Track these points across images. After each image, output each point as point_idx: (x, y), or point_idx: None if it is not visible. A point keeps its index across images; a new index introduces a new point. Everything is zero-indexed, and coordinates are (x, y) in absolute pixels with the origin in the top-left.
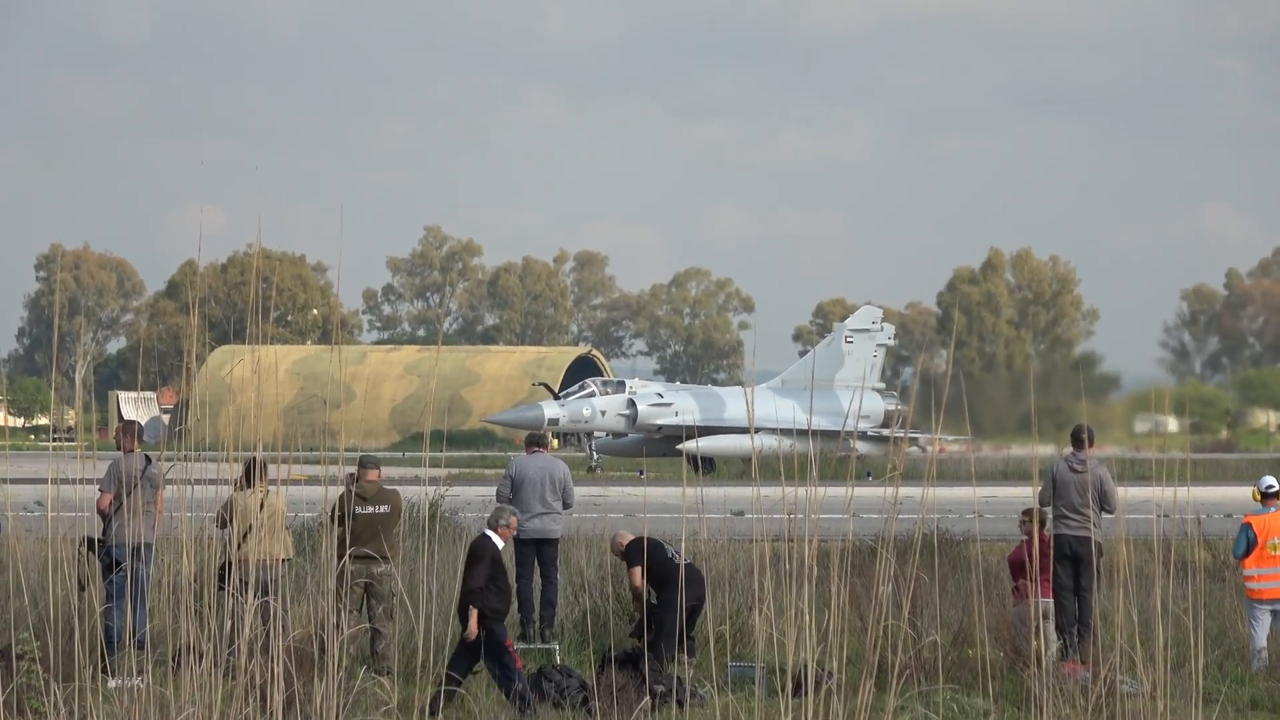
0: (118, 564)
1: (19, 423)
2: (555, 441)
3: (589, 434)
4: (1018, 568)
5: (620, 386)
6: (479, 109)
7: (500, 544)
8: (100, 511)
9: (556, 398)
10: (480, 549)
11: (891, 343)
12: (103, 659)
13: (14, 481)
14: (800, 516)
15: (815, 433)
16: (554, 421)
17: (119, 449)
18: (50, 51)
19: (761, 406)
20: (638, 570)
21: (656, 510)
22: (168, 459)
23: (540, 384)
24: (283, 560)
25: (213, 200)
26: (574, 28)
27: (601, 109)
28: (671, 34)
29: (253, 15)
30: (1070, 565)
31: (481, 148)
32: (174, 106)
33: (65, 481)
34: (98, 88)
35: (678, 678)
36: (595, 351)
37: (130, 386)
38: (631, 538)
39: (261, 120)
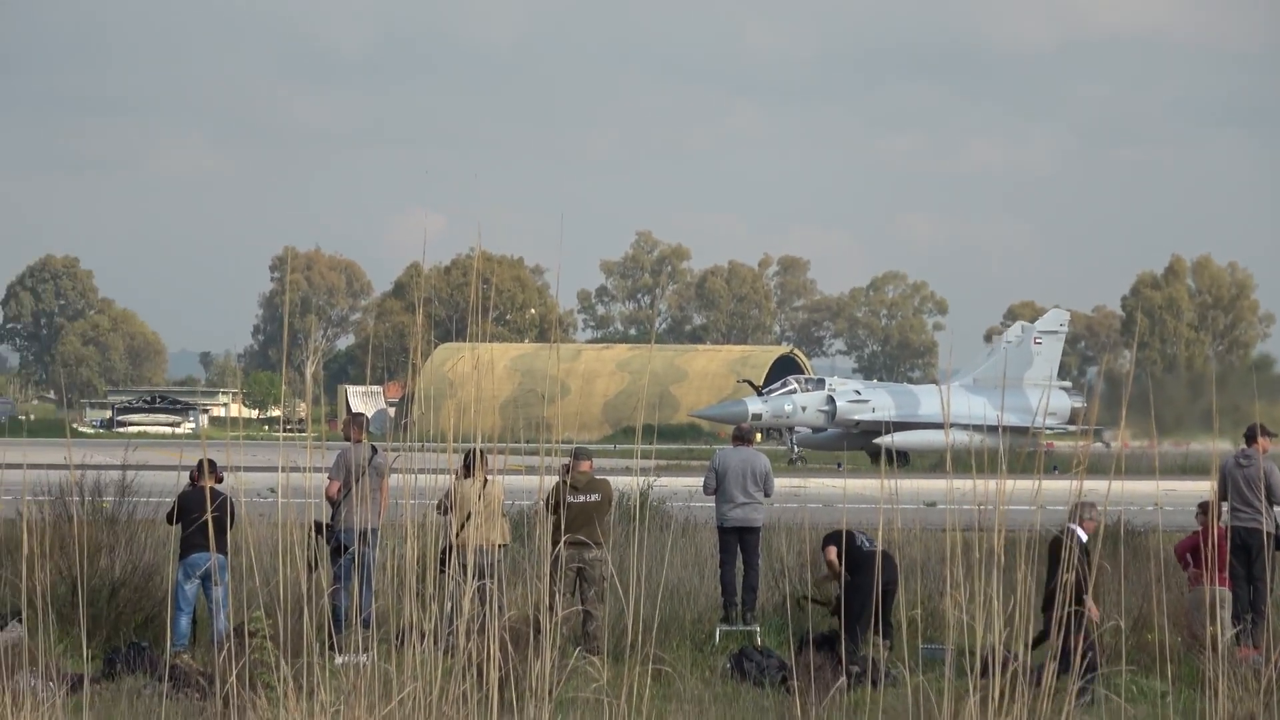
0: (345, 548)
1: (253, 414)
2: (759, 436)
3: (790, 429)
4: (1182, 556)
5: (820, 384)
6: (685, 121)
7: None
8: (329, 498)
9: (760, 394)
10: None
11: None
12: (330, 637)
13: (248, 469)
14: (990, 508)
15: (1005, 429)
16: (757, 417)
17: (347, 439)
18: (280, 65)
19: (955, 403)
20: (832, 549)
21: (854, 501)
22: (393, 449)
23: (744, 380)
24: (500, 546)
25: (435, 206)
26: (773, 44)
27: (800, 120)
28: (865, 49)
29: (470, 30)
30: (1243, 555)
31: (688, 157)
32: (397, 117)
33: (296, 470)
34: (325, 99)
35: (872, 659)
36: (797, 351)
37: (358, 381)
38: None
39: (480, 130)
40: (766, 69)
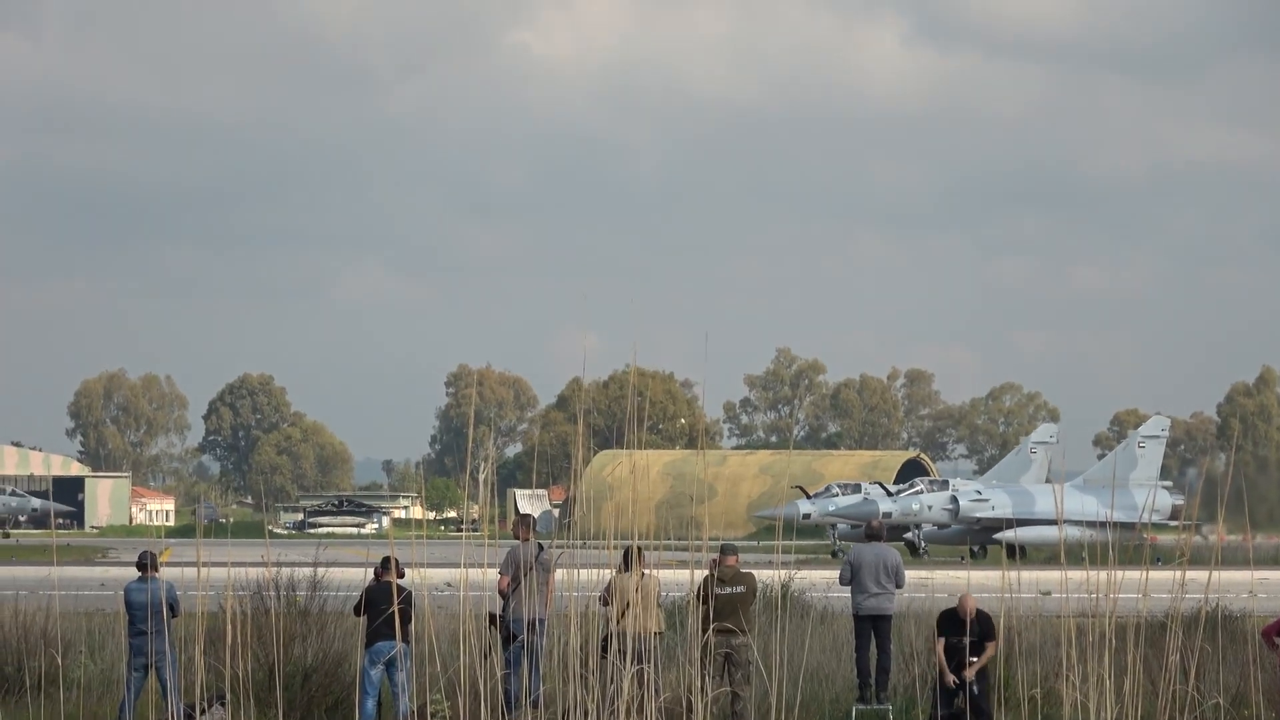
0: (515, 636)
1: (431, 516)
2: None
3: (918, 525)
4: (1269, 637)
5: (944, 485)
6: (818, 247)
7: None
8: (500, 591)
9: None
10: None
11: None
12: (503, 717)
13: (429, 565)
14: (1101, 596)
15: (1113, 524)
16: (887, 515)
17: (516, 538)
18: (450, 200)
19: (1067, 502)
20: (941, 642)
21: (976, 590)
22: (557, 546)
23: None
24: (656, 634)
25: (593, 326)
26: (895, 179)
27: (921, 247)
28: (978, 183)
29: (617, 167)
30: None
31: (822, 280)
32: (556, 246)
33: (472, 566)
34: (490, 230)
35: None
36: (923, 455)
37: (526, 485)
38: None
39: (633, 257)
40: (889, 201)
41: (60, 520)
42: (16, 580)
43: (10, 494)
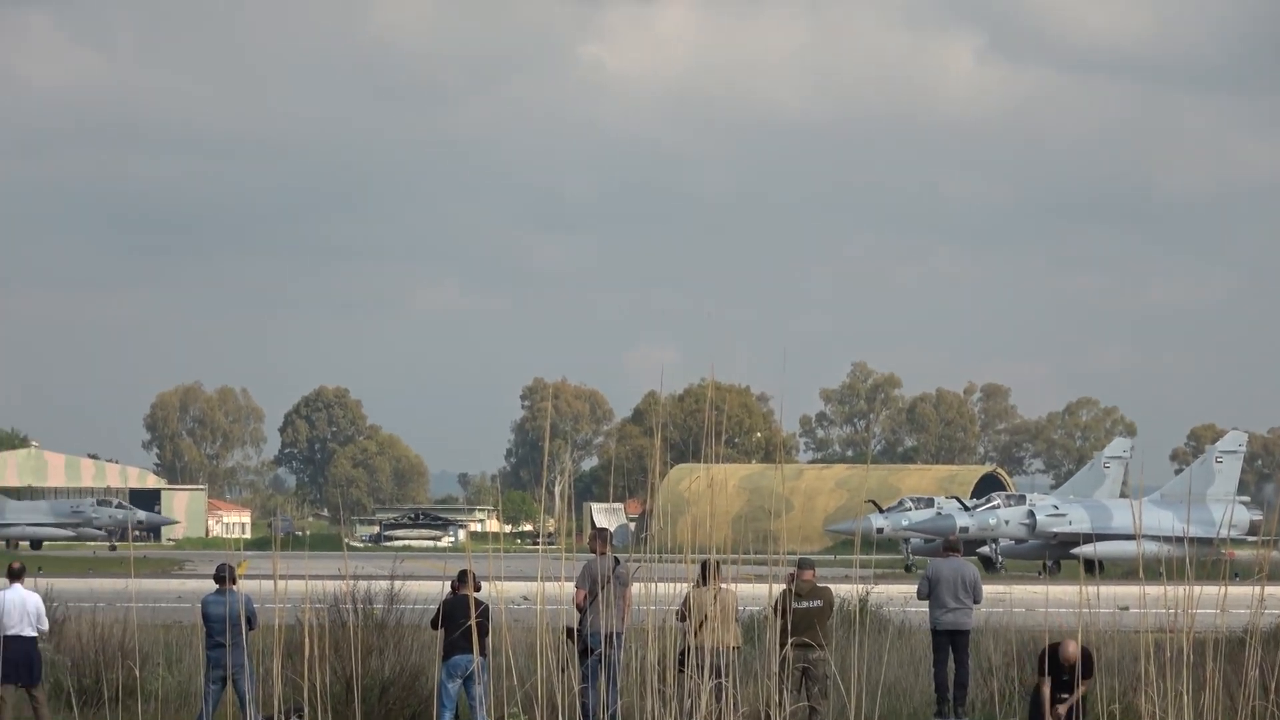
0: (592, 650)
1: (507, 529)
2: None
3: (994, 540)
4: None
5: (1021, 500)
6: (893, 261)
7: None
8: (577, 605)
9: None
10: None
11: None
12: None
13: (506, 579)
14: (1179, 611)
15: (1190, 539)
16: (964, 529)
17: (592, 552)
18: (524, 213)
19: (1145, 517)
20: (1047, 682)
21: (1054, 605)
22: (634, 560)
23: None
24: (733, 648)
25: (669, 340)
26: (969, 193)
27: (997, 261)
28: (1054, 198)
29: (690, 181)
30: None
31: (897, 294)
32: (630, 259)
33: (548, 579)
34: (563, 244)
35: None
36: (999, 470)
37: (601, 498)
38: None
39: (709, 271)
40: (964, 216)
41: (135, 533)
42: (94, 592)
43: (116, 506)
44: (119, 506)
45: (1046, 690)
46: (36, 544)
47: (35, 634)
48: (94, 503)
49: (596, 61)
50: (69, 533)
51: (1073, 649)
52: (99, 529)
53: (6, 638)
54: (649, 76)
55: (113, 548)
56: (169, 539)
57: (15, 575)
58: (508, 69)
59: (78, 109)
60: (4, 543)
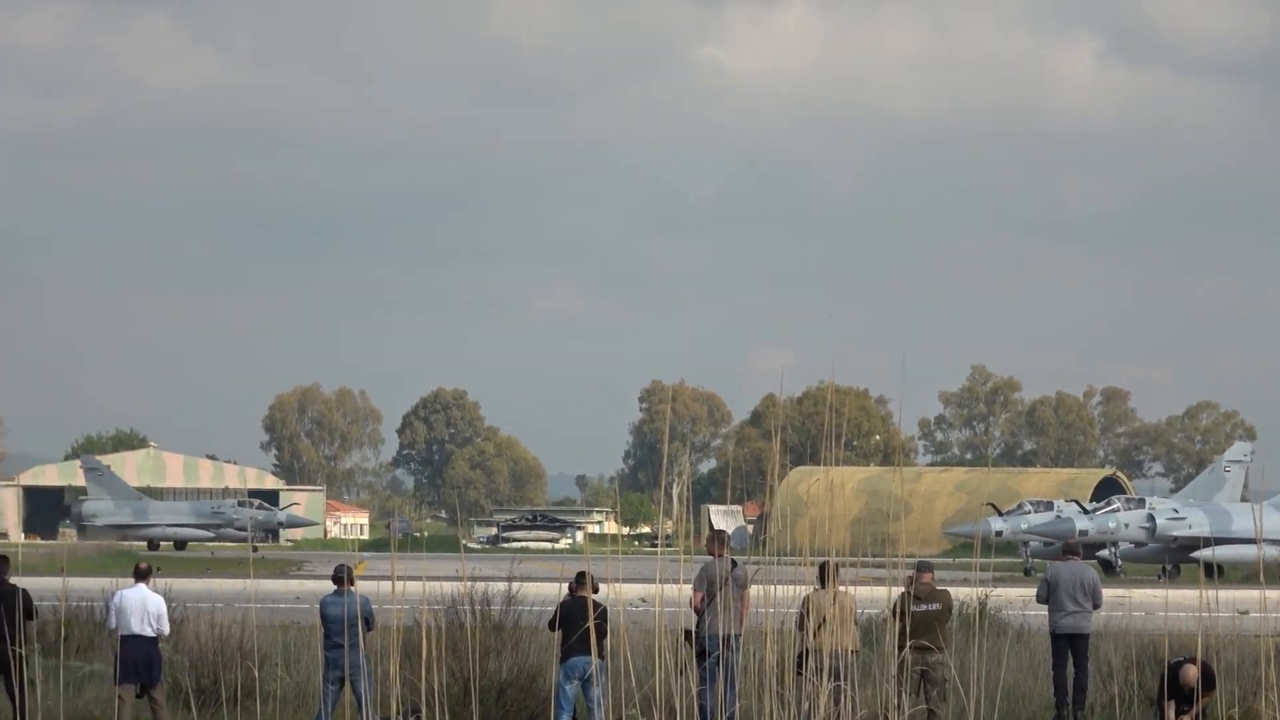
0: (710, 652)
1: (625, 531)
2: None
3: (1114, 543)
4: None
5: (1141, 503)
6: (1012, 265)
7: None
8: (694, 608)
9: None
10: None
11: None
12: None
13: (624, 581)
14: None
15: None
16: (1084, 533)
17: (710, 554)
18: (642, 216)
19: (1265, 520)
20: (1171, 705)
21: (1174, 609)
22: (752, 562)
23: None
24: (851, 651)
25: (788, 342)
26: (1091, 196)
27: (1117, 264)
28: (1174, 201)
29: (808, 183)
30: None
31: (1015, 297)
32: (747, 262)
33: (666, 581)
34: (683, 246)
35: None
36: (1119, 473)
37: (719, 500)
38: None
39: (826, 273)
40: (1084, 218)
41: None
42: (213, 593)
43: (257, 507)
44: (260, 508)
45: (1171, 713)
46: (181, 545)
47: (155, 635)
48: (235, 503)
49: (715, 63)
50: (209, 534)
51: (1192, 674)
52: (240, 530)
53: (125, 637)
54: (768, 78)
55: (254, 549)
56: (287, 540)
57: (141, 576)
58: (626, 70)
59: (195, 109)
60: (145, 543)
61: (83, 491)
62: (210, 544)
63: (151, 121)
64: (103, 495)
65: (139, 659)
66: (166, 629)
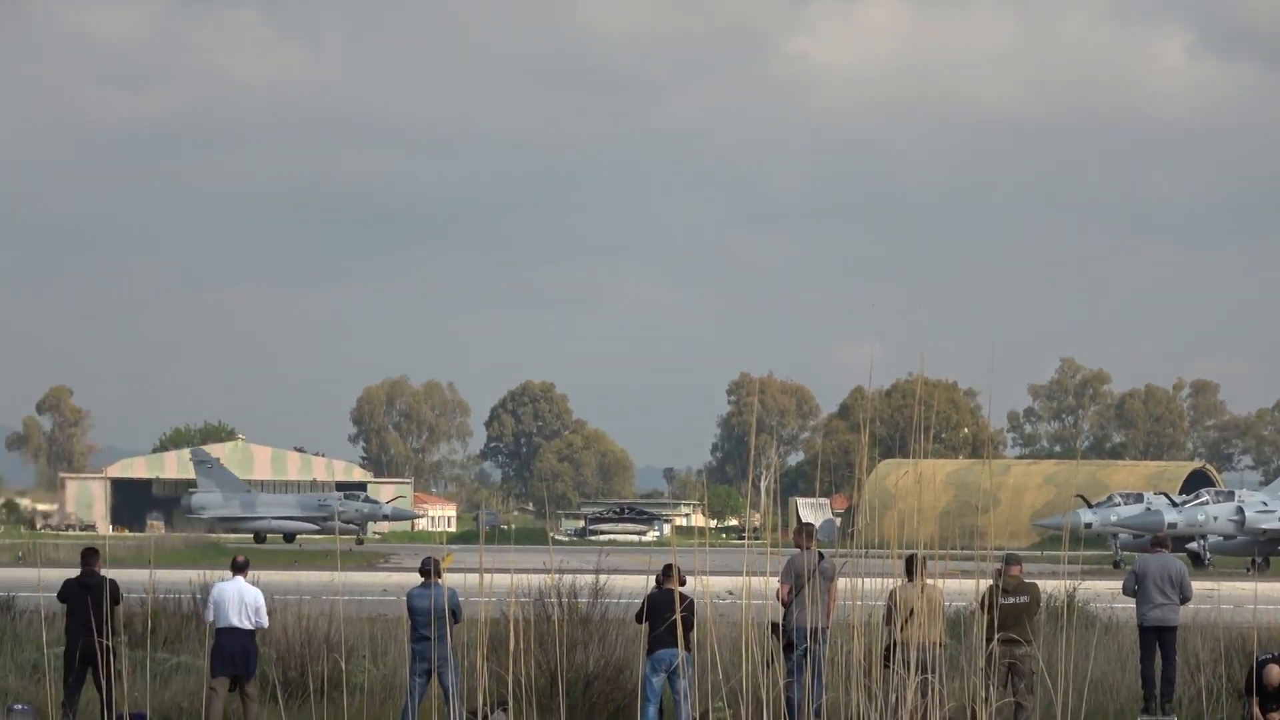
0: (797, 645)
1: (713, 523)
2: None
3: (1203, 536)
4: None
5: (1230, 496)
6: (1101, 257)
7: None
8: (780, 600)
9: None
10: None
11: None
12: None
13: (711, 573)
14: None
15: None
16: (1172, 525)
17: (797, 547)
18: (729, 208)
19: None
20: (1256, 701)
21: (1263, 602)
22: (840, 555)
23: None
24: (939, 644)
25: (876, 334)
26: (1177, 189)
27: (1207, 256)
28: (1265, 194)
29: (892, 176)
30: None
31: (1105, 290)
32: (835, 254)
33: (753, 574)
34: (770, 238)
35: None
36: (1208, 466)
37: (807, 493)
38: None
39: (914, 266)
40: (1173, 211)
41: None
42: (300, 585)
43: (364, 500)
44: (367, 500)
45: (1256, 709)
46: (290, 537)
47: (252, 628)
48: (341, 496)
49: (802, 55)
50: (314, 527)
51: (1275, 674)
52: (346, 523)
53: (221, 629)
54: (855, 71)
55: (360, 541)
56: (374, 532)
57: (238, 569)
58: (713, 63)
59: (282, 103)
60: (252, 535)
61: (171, 485)
62: (315, 537)
63: (240, 116)
64: (212, 488)
65: (235, 652)
66: (265, 622)
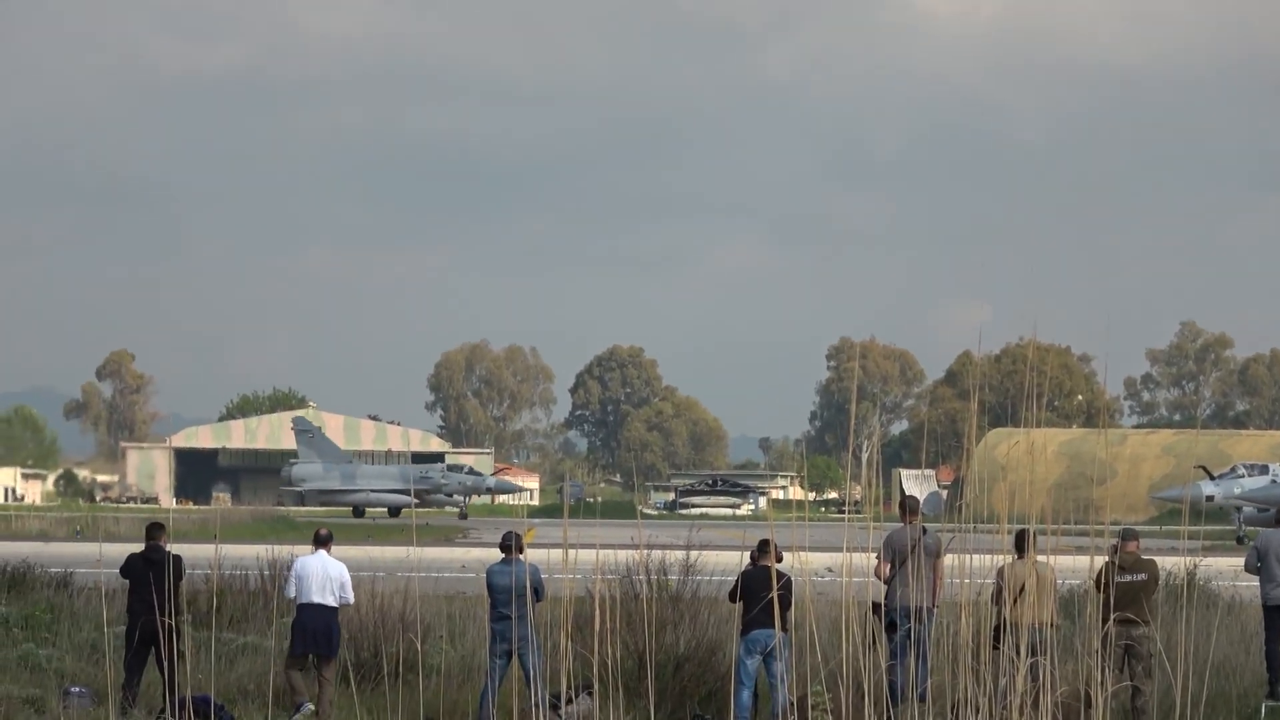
0: (899, 625)
1: (811, 496)
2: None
3: None
4: None
5: None
6: (1221, 217)
7: None
8: (879, 578)
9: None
10: None
11: None
12: (888, 711)
13: (809, 549)
14: None
15: None
16: None
17: (900, 521)
18: (828, 165)
19: None
20: None
21: None
22: (947, 530)
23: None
24: (1051, 624)
25: (984, 297)
26: None
27: None
28: None
29: (999, 129)
30: None
31: (1227, 251)
32: (939, 214)
33: (854, 550)
34: (871, 196)
35: None
36: None
37: (911, 464)
38: None
39: (1022, 226)
40: None
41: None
42: (374, 561)
43: (467, 472)
44: (470, 473)
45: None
46: (395, 511)
47: (337, 604)
48: (444, 468)
49: (906, 5)
50: (415, 500)
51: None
52: (449, 496)
53: (303, 605)
54: (960, 18)
55: (463, 515)
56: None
57: (321, 542)
58: (811, 10)
59: (354, 55)
60: (350, 509)
61: (239, 455)
62: (422, 510)
63: (310, 68)
64: (313, 458)
65: (319, 629)
66: (351, 597)
